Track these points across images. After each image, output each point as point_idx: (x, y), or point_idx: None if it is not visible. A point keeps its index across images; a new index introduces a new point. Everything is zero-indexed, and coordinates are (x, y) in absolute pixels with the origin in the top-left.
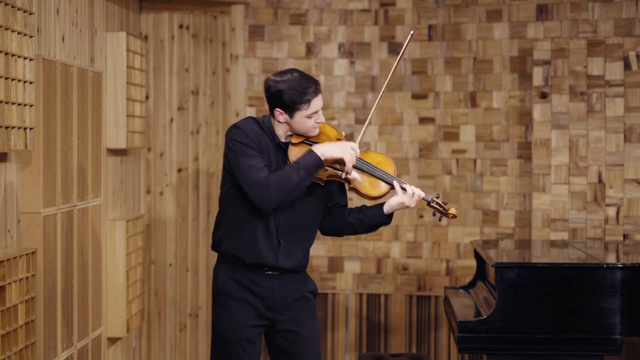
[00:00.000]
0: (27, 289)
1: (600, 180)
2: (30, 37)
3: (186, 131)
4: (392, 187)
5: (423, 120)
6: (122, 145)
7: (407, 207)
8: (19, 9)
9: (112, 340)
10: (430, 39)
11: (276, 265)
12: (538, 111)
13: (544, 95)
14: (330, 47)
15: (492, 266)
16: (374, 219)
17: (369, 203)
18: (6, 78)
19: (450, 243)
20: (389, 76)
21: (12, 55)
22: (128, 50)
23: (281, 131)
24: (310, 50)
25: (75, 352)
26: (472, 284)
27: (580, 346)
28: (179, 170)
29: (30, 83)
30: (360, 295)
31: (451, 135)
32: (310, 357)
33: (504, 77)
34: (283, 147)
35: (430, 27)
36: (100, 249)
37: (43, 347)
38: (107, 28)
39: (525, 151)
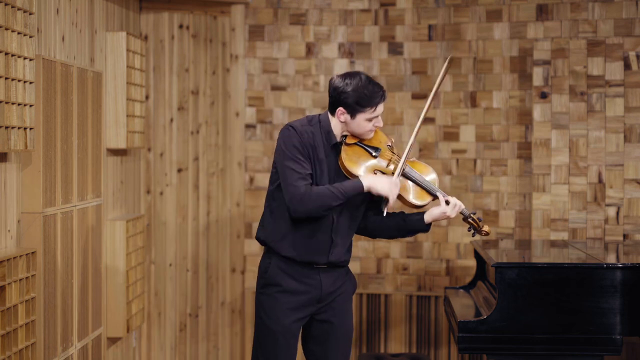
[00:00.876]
0: (27, 289)
1: (600, 180)
2: (30, 37)
3: (186, 131)
4: (435, 198)
5: (423, 120)
6: (122, 145)
7: (448, 217)
8: (19, 9)
9: (112, 340)
10: (430, 39)
11: (327, 261)
12: (538, 111)
13: (544, 95)
14: (330, 47)
15: (492, 266)
16: (413, 225)
17: (408, 210)
18: (6, 78)
19: (450, 243)
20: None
21: (12, 55)
22: (128, 50)
23: (338, 130)
24: (310, 50)
25: (75, 352)
26: (472, 284)
27: (580, 346)
28: (179, 170)
29: (30, 83)
30: (360, 295)
31: (451, 135)
32: (340, 349)
33: (504, 77)
34: (337, 147)
35: (430, 27)
36: (100, 249)
37: (43, 347)
38: (107, 28)
39: (525, 151)
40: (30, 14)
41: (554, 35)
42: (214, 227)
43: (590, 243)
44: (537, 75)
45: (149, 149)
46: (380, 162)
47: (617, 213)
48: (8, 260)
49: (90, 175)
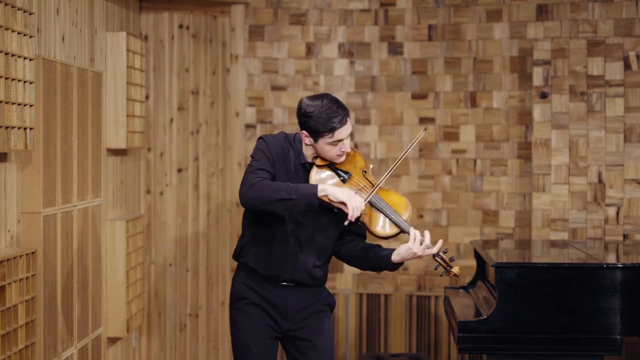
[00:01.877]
0: (27, 289)
1: (600, 180)
2: (30, 37)
3: (186, 131)
4: (401, 232)
5: (423, 120)
6: (122, 145)
7: (416, 255)
8: (19, 9)
9: (112, 340)
10: (430, 39)
11: (291, 278)
12: (538, 111)
13: (544, 95)
14: (330, 47)
15: (492, 266)
16: (380, 260)
17: (373, 240)
18: (6, 78)
19: (450, 243)
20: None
21: (12, 55)
22: (128, 50)
23: (308, 152)
24: (310, 50)
25: (75, 352)
26: (472, 284)
27: (580, 346)
28: (179, 170)
29: (30, 83)
30: (360, 295)
31: (451, 135)
32: None
33: (504, 77)
34: (307, 167)
35: (430, 27)
36: (100, 249)
37: (43, 347)
38: (107, 28)
39: (525, 151)
40: (30, 14)
41: (554, 35)
42: (214, 227)
43: (590, 243)
44: (537, 75)
45: (149, 149)
46: (349, 187)
47: (617, 213)
48: (8, 260)
49: (90, 175)
